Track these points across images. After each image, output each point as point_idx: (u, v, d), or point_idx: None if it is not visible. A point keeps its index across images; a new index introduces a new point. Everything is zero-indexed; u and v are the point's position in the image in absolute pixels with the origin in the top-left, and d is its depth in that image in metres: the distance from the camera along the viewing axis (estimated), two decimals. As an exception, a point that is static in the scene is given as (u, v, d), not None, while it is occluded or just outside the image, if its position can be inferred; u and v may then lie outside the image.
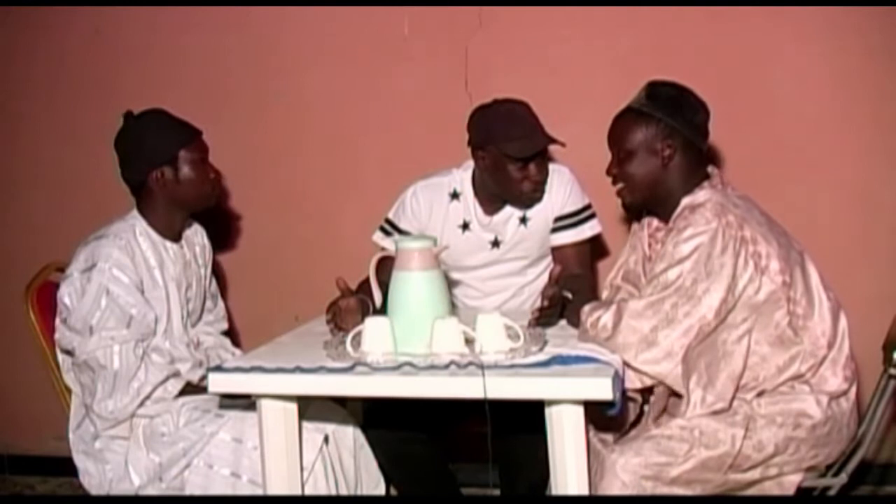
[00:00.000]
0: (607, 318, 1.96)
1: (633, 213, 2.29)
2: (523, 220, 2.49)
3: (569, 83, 2.96)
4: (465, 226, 2.50)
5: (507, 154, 2.33)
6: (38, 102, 3.30)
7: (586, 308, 2.03)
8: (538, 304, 2.19)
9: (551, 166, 2.49)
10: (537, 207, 2.48)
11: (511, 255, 2.51)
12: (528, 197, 2.43)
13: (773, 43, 2.87)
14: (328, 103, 3.13)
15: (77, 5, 3.18)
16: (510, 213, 2.49)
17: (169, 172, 2.28)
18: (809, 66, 2.86)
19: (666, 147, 2.04)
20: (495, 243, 2.50)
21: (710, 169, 2.12)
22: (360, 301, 2.17)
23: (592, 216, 2.52)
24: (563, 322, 2.19)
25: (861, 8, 2.76)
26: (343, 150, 3.15)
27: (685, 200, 2.04)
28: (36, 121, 3.31)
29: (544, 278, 2.49)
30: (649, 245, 2.20)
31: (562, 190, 2.47)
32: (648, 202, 2.14)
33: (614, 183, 2.13)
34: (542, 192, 2.44)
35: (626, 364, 1.94)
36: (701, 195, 2.03)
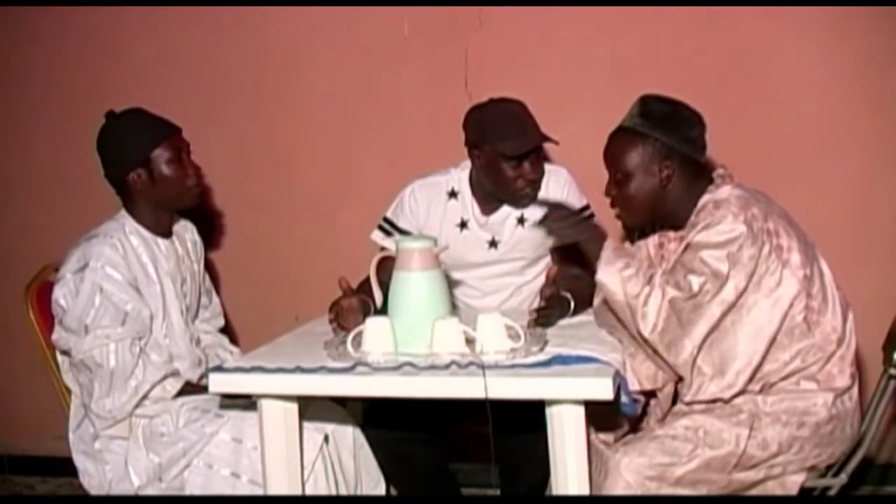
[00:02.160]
0: (653, 313, 1.92)
1: (635, 232, 2.27)
2: (521, 221, 2.49)
3: (569, 84, 2.96)
4: (463, 224, 2.51)
5: (501, 152, 2.33)
6: (37, 102, 3.30)
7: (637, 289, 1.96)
8: (536, 304, 2.19)
9: (548, 167, 2.49)
10: (535, 208, 2.48)
11: (509, 255, 2.51)
12: (524, 195, 2.42)
13: (773, 43, 2.87)
14: (328, 103, 3.13)
15: (75, 5, 3.18)
16: (508, 213, 2.49)
17: (144, 173, 2.26)
18: (809, 67, 2.86)
19: (664, 168, 2.03)
20: (493, 243, 2.50)
21: (720, 171, 2.10)
22: (361, 301, 2.17)
23: (591, 217, 2.52)
24: (562, 322, 2.19)
25: (861, 8, 2.76)
26: (343, 149, 3.15)
27: (705, 197, 2.03)
28: (35, 120, 3.31)
29: (543, 278, 2.50)
30: (660, 244, 2.19)
31: (559, 191, 2.48)
32: (649, 222, 2.14)
33: (612, 205, 2.11)
34: (537, 190, 2.44)
35: (629, 365, 1.94)
36: (722, 191, 2.02)
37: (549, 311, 2.15)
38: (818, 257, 2.05)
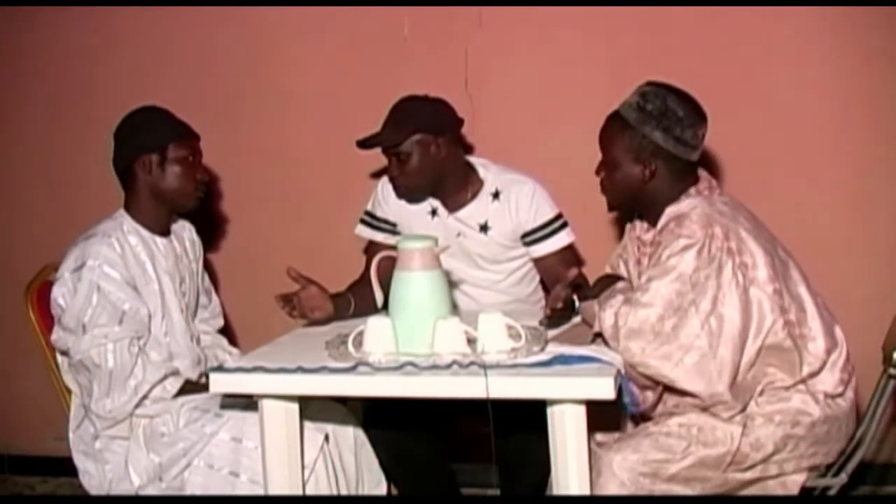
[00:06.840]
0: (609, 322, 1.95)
1: (619, 212, 2.29)
2: (483, 228, 2.49)
3: (569, 84, 2.96)
4: (434, 212, 2.53)
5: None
6: (37, 102, 3.29)
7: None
8: (549, 305, 2.18)
9: (514, 177, 2.49)
10: (497, 219, 2.47)
11: (475, 248, 2.51)
12: (396, 192, 2.50)
13: (772, 43, 2.87)
14: (328, 103, 3.13)
15: (76, 5, 3.18)
16: (469, 215, 2.49)
17: (156, 160, 2.28)
18: (808, 67, 2.87)
19: (649, 164, 2.03)
20: (459, 234, 2.50)
21: (700, 172, 2.10)
22: (320, 287, 2.21)
23: (565, 225, 2.51)
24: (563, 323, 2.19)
25: (860, 9, 2.76)
26: (343, 149, 3.13)
27: (669, 210, 2.03)
28: (36, 120, 3.30)
29: (513, 278, 2.53)
30: (637, 248, 2.20)
31: (525, 204, 2.46)
32: (630, 208, 2.15)
33: (601, 185, 2.13)
34: (405, 188, 2.47)
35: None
36: (685, 204, 2.01)
37: (564, 313, 2.14)
38: (788, 268, 2.03)
